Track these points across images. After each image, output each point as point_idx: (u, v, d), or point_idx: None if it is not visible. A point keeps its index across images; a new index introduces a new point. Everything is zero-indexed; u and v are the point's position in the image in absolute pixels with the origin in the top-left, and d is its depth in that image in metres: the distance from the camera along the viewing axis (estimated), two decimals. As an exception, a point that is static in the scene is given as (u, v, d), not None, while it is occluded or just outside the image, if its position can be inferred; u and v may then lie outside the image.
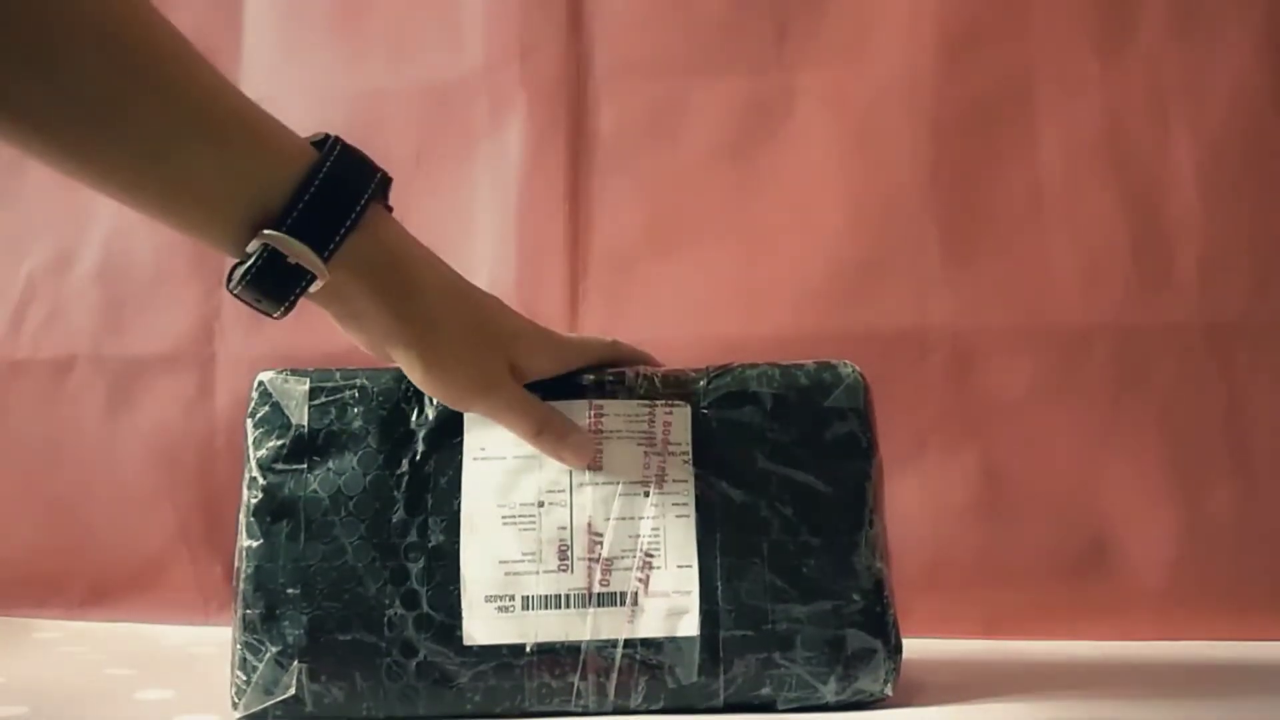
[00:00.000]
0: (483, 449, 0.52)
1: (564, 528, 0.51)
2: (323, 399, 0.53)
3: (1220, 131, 0.74)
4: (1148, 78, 0.76)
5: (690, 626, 0.50)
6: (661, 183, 0.81)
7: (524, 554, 0.50)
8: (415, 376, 0.49)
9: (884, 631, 0.51)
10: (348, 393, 0.53)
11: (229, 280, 0.46)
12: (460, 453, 0.52)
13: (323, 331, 0.83)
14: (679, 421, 0.52)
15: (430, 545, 0.50)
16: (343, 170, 0.45)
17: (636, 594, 0.50)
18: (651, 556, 0.50)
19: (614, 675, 0.50)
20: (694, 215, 0.81)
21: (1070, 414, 0.74)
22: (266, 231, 0.44)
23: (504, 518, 0.51)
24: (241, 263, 0.45)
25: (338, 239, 0.44)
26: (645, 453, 0.51)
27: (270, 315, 0.46)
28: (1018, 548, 0.74)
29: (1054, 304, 0.75)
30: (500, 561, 0.50)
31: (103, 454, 0.86)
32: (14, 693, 0.58)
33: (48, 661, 0.68)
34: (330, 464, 0.52)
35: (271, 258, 0.44)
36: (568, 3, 0.83)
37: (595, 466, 0.51)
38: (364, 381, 0.54)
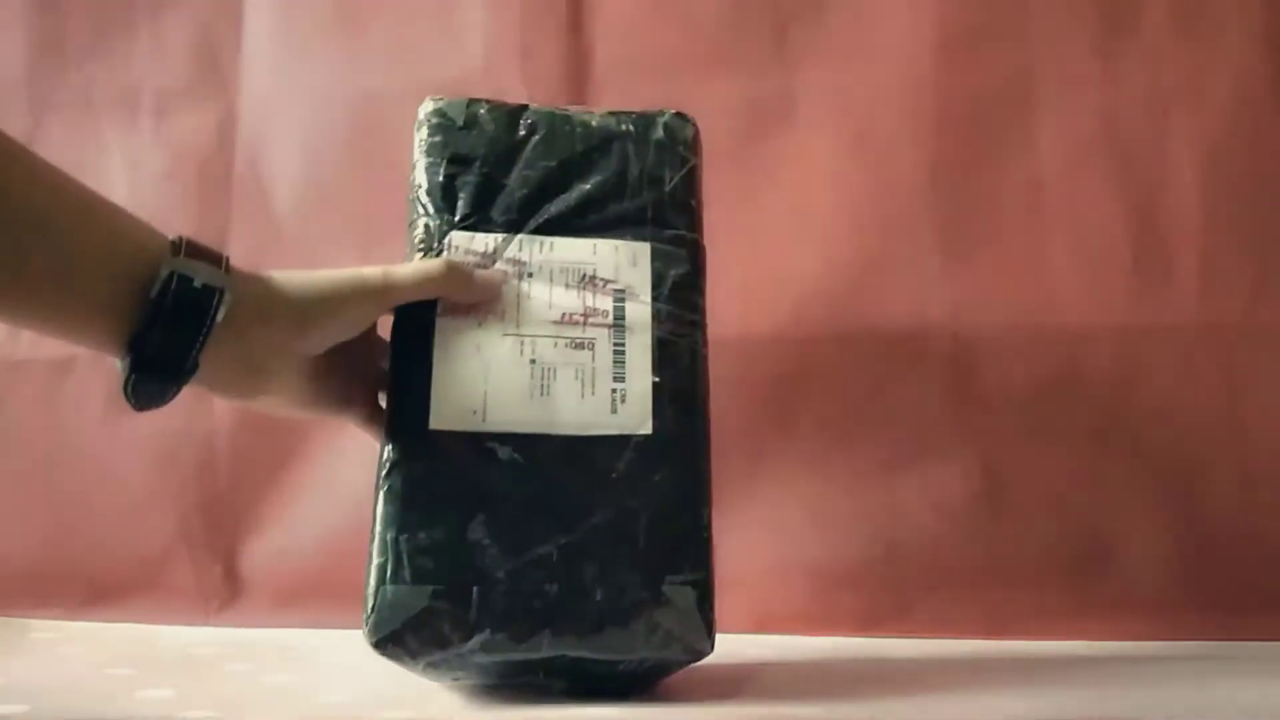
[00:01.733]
0: None
1: None
2: None
3: (1221, 131, 0.75)
4: (1148, 77, 0.76)
5: None
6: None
7: None
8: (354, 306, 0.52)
9: None
10: None
11: (129, 355, 0.46)
12: None
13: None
14: None
15: None
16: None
17: None
18: None
19: None
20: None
21: (1070, 414, 0.74)
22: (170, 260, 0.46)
23: None
24: (148, 316, 0.45)
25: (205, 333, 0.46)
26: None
27: (176, 380, 0.47)
28: (1018, 548, 0.74)
29: (1054, 303, 0.75)
30: None
31: (102, 454, 0.86)
32: (13, 692, 0.58)
33: (47, 661, 0.68)
34: None
35: (180, 283, 0.45)
36: (568, 3, 0.83)
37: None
38: None
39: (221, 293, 0.47)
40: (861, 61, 0.79)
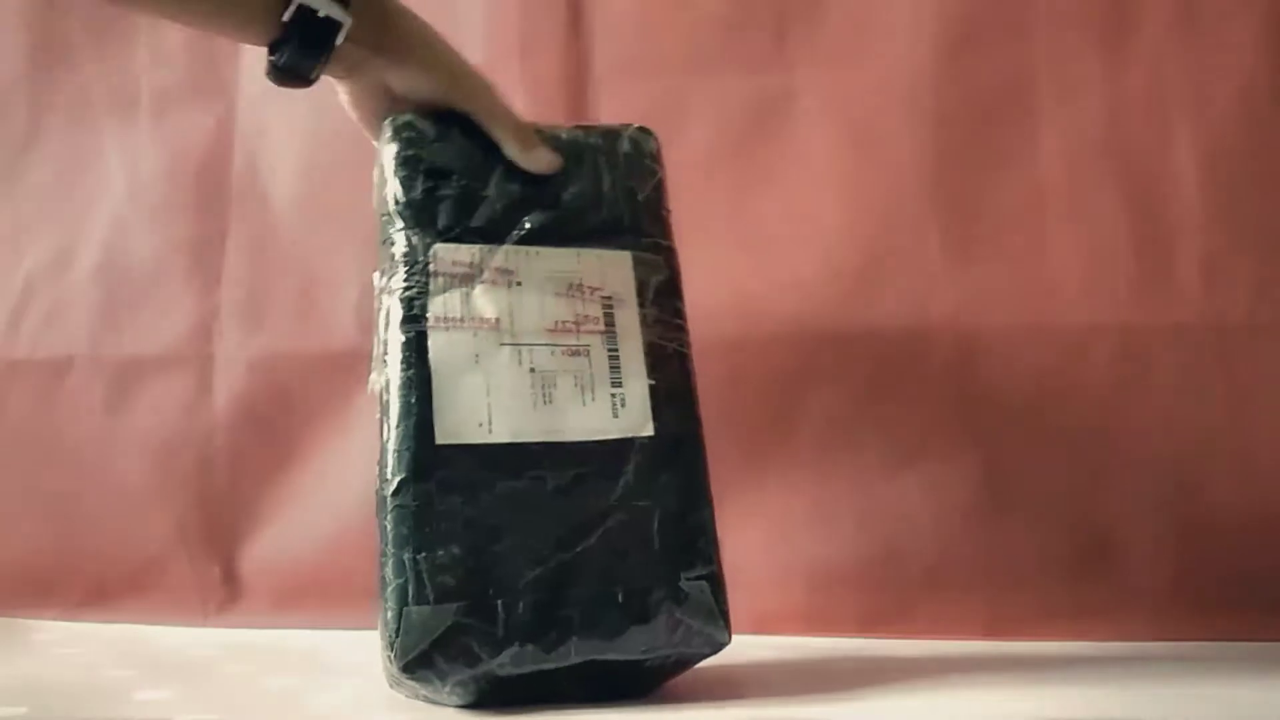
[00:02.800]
0: None
1: None
2: None
3: (1222, 130, 0.74)
4: (1149, 77, 0.75)
5: None
6: (661, 182, 0.81)
7: None
8: (440, 79, 0.58)
9: None
10: None
11: (271, 56, 0.56)
12: None
13: (322, 331, 0.84)
14: None
15: None
16: None
17: None
18: None
19: None
20: (694, 215, 0.80)
21: (1071, 414, 0.74)
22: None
23: None
24: (279, 38, 0.55)
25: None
26: None
27: (307, 79, 0.57)
28: (1018, 548, 0.74)
29: (1055, 303, 0.75)
30: None
31: (101, 454, 0.86)
32: (13, 693, 0.57)
33: (45, 662, 0.68)
34: None
35: (306, 18, 0.54)
36: (568, 3, 0.83)
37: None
38: None
39: (339, 25, 0.54)
40: (861, 61, 0.79)
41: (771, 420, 0.77)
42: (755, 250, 0.79)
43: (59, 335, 0.88)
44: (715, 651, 0.53)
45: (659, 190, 0.61)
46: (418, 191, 0.56)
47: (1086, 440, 0.74)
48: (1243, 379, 0.73)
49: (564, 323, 0.55)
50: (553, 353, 0.54)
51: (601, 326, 0.55)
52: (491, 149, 0.58)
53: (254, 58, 0.89)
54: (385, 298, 0.54)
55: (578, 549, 0.51)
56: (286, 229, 0.86)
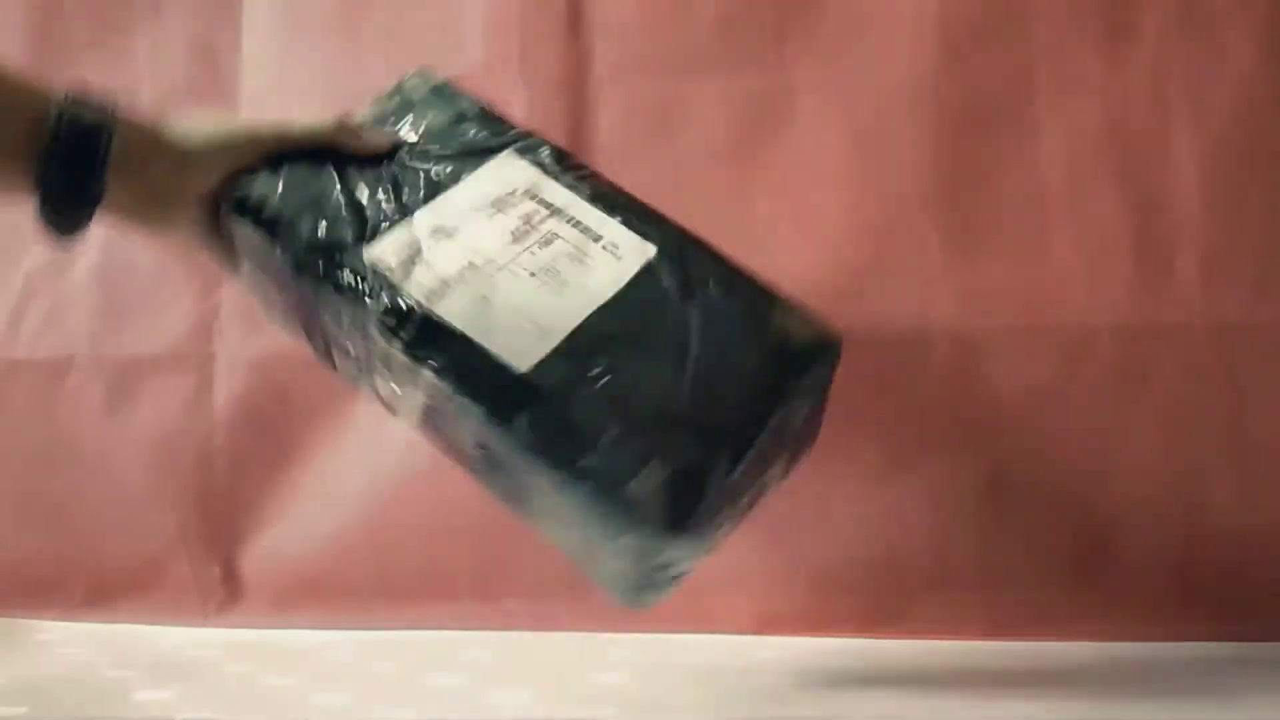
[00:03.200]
0: None
1: None
2: None
3: (1223, 131, 0.74)
4: (1150, 77, 0.75)
5: None
6: (661, 183, 0.80)
7: None
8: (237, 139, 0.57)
9: None
10: None
11: (40, 213, 0.52)
12: None
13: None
14: None
15: None
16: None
17: None
18: None
19: None
20: (694, 215, 0.80)
21: (1072, 414, 0.74)
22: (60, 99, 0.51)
23: None
24: (48, 152, 0.51)
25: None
26: None
27: (84, 208, 0.53)
28: (1018, 548, 0.74)
29: (1056, 304, 0.75)
30: None
31: (101, 455, 0.86)
32: (13, 693, 0.57)
33: (46, 662, 0.68)
34: None
35: (70, 121, 0.51)
36: (568, 3, 0.83)
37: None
38: None
39: (110, 125, 0.52)
40: (861, 61, 0.79)
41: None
42: (755, 250, 0.78)
43: (59, 335, 0.88)
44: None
45: (475, 102, 0.64)
46: (305, 234, 0.56)
47: (1086, 440, 0.74)
48: (1242, 379, 0.73)
49: (518, 230, 0.57)
50: (533, 253, 0.56)
51: (545, 211, 0.58)
52: (316, 166, 0.59)
53: (255, 56, 0.89)
54: (361, 337, 0.55)
55: (698, 353, 0.53)
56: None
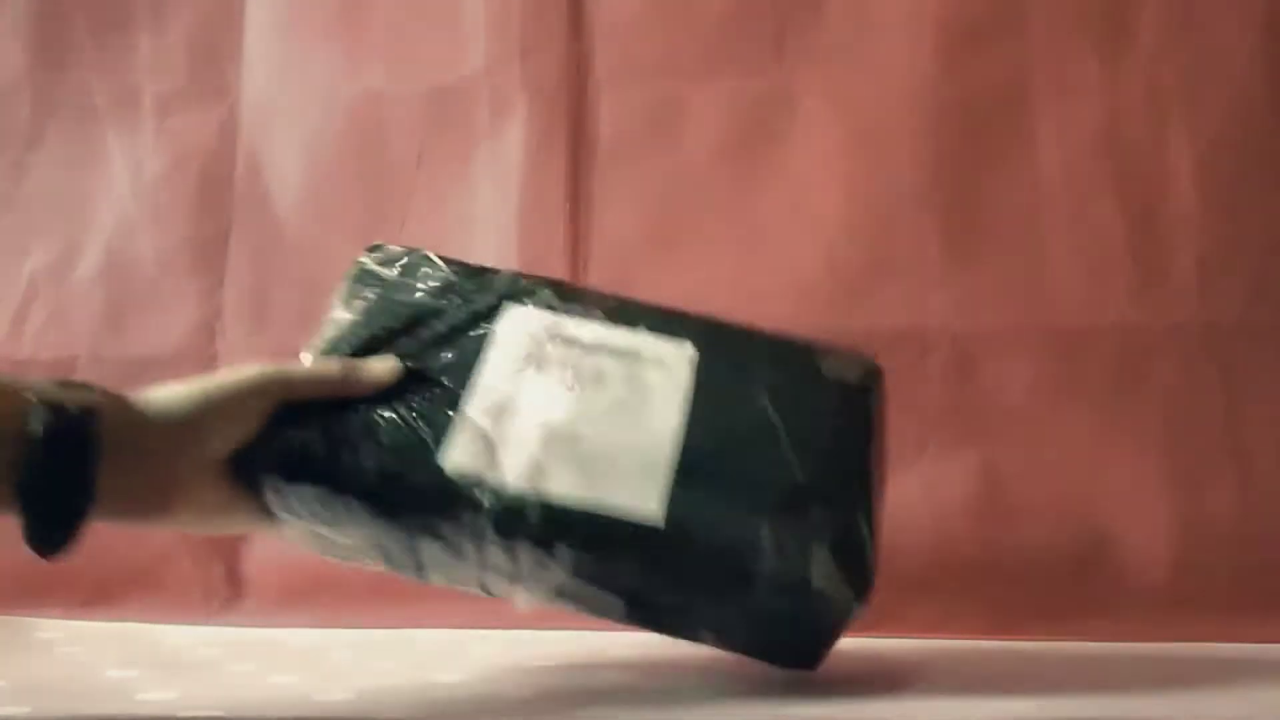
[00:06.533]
0: None
1: None
2: None
3: (1219, 131, 0.75)
4: (1147, 78, 0.76)
5: None
6: (662, 183, 0.81)
7: None
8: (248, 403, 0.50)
9: None
10: None
11: (27, 534, 0.45)
12: None
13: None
14: None
15: None
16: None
17: None
18: None
19: None
20: (694, 216, 0.81)
21: (1070, 414, 0.74)
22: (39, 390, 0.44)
23: None
24: (30, 456, 0.43)
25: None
26: None
27: (76, 519, 0.45)
28: (1018, 548, 0.74)
29: (1054, 304, 0.75)
30: None
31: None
32: (15, 694, 0.58)
33: (49, 662, 0.68)
34: None
35: (53, 414, 0.43)
36: (568, 4, 0.83)
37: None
38: None
39: (98, 412, 0.45)
40: (861, 61, 0.79)
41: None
42: (755, 250, 0.79)
43: (63, 335, 0.88)
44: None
45: (447, 265, 0.60)
46: (372, 473, 0.52)
47: (1085, 440, 0.74)
48: (1240, 379, 0.73)
49: (568, 380, 0.55)
50: (594, 398, 0.54)
51: (580, 351, 0.56)
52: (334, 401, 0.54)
53: (257, 57, 0.89)
54: (473, 547, 0.51)
55: (783, 430, 0.53)
56: (289, 229, 0.87)
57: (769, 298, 0.78)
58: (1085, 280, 0.75)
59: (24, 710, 0.52)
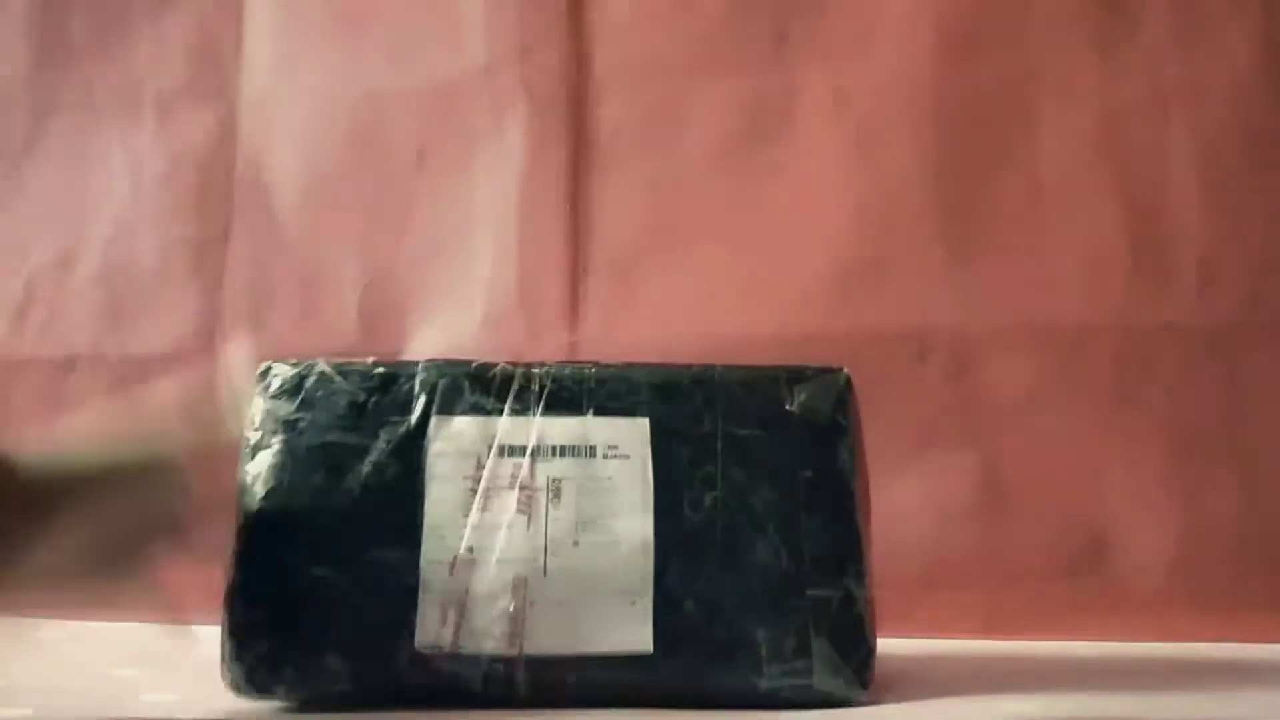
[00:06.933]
0: None
1: None
2: None
3: (1220, 131, 0.75)
4: (1148, 78, 0.76)
5: None
6: (662, 182, 0.81)
7: None
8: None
9: None
10: None
11: None
12: None
13: (324, 331, 0.84)
14: None
15: None
16: None
17: None
18: None
19: None
20: (695, 215, 0.81)
21: (1070, 414, 0.74)
22: None
23: None
24: None
25: None
26: None
27: None
28: (1018, 547, 0.74)
29: (1054, 304, 0.75)
30: None
31: (104, 454, 0.86)
32: (18, 694, 0.58)
33: (51, 662, 0.68)
34: None
35: None
36: (568, 3, 0.83)
37: None
38: None
39: None
40: (861, 61, 0.79)
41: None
42: (755, 250, 0.79)
43: (62, 335, 0.88)
44: None
45: (353, 370, 0.53)
46: (345, 667, 0.49)
47: (1085, 440, 0.74)
48: (1240, 378, 0.73)
49: (522, 503, 0.50)
50: (556, 518, 0.50)
51: (527, 460, 0.51)
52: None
53: (257, 57, 0.89)
54: None
55: (758, 501, 0.50)
56: (289, 229, 0.87)
57: (769, 297, 0.78)
58: (1085, 280, 0.75)
59: (25, 710, 0.52)
